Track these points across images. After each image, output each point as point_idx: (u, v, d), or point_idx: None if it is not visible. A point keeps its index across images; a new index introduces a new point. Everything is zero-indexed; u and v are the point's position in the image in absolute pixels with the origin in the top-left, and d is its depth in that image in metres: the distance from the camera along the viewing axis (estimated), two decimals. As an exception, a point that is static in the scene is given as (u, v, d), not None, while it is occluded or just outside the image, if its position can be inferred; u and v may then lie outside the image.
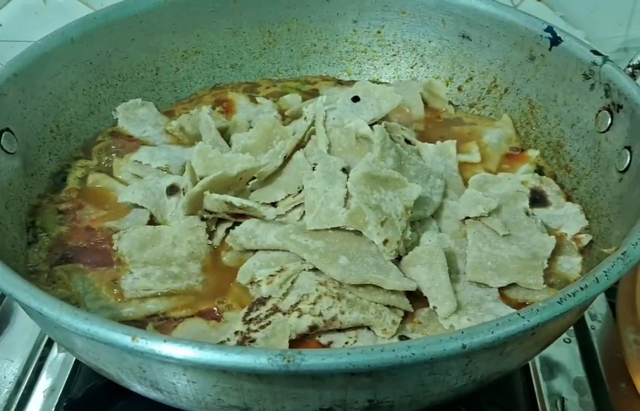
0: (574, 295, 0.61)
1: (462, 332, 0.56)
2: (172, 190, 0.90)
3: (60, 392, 0.87)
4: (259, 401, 0.60)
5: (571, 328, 0.97)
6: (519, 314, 0.59)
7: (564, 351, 0.95)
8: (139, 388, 0.66)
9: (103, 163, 0.98)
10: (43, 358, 0.92)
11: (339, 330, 0.73)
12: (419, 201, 0.82)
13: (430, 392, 0.62)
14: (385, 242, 0.77)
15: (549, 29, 1.00)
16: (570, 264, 0.84)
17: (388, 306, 0.74)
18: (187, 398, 0.62)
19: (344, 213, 0.79)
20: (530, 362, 0.92)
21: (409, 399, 0.63)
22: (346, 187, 0.82)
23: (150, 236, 0.84)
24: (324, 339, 0.73)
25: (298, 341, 0.72)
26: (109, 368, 0.65)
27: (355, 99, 1.00)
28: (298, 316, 0.72)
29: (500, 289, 0.78)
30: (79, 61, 1.01)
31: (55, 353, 0.93)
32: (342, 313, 0.73)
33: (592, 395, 0.90)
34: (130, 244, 0.83)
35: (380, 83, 1.16)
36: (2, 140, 0.86)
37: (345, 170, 0.85)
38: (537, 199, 0.92)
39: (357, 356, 0.55)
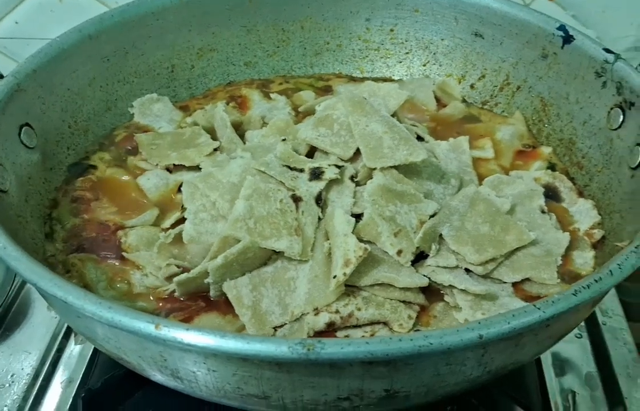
0: (589, 287, 0.62)
1: (479, 322, 0.57)
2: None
3: (77, 384, 0.89)
4: (277, 389, 0.62)
5: (582, 324, 0.98)
6: (534, 305, 0.59)
7: (576, 347, 0.96)
8: (159, 376, 0.67)
9: (121, 157, 0.99)
10: (60, 351, 0.94)
11: (355, 326, 0.74)
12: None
13: (445, 382, 0.63)
14: (399, 252, 0.77)
15: (562, 28, 1.01)
16: (584, 259, 0.85)
17: (404, 301, 0.75)
18: (206, 387, 0.64)
19: (349, 221, 0.78)
20: (542, 357, 0.93)
21: (425, 389, 0.63)
22: (354, 196, 0.83)
23: (157, 235, 0.85)
24: (340, 334, 0.74)
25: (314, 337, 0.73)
26: (130, 357, 0.66)
27: (362, 100, 1.00)
28: (315, 314, 0.73)
29: (514, 283, 0.79)
30: (97, 58, 1.02)
31: (72, 346, 0.94)
32: (359, 309, 0.74)
33: (603, 390, 0.91)
34: (137, 240, 0.85)
35: (393, 81, 1.18)
36: (22, 135, 0.88)
37: (353, 178, 0.86)
38: (550, 195, 0.93)
39: (375, 345, 0.56)
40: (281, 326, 0.73)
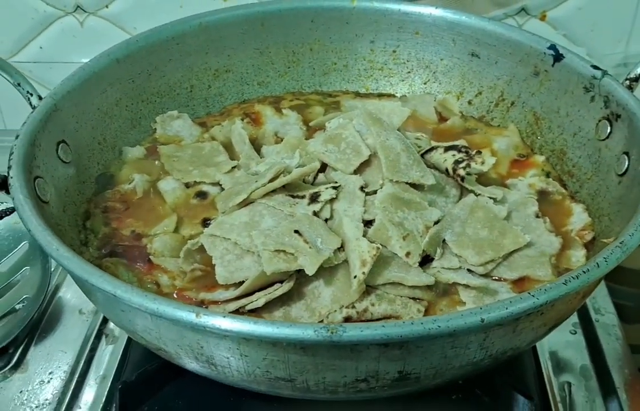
0: (577, 278, 0.69)
1: (481, 308, 0.65)
2: (202, 195, 1.01)
3: (111, 379, 0.96)
4: (302, 372, 0.69)
5: (577, 320, 1.06)
6: (529, 293, 0.67)
7: (571, 342, 1.03)
8: (194, 365, 0.74)
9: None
10: (93, 350, 1.01)
11: (369, 320, 0.81)
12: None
13: (451, 365, 0.71)
14: (408, 254, 0.84)
15: (552, 47, 1.09)
16: (577, 257, 0.91)
17: (413, 298, 0.83)
18: (238, 372, 0.71)
19: (358, 226, 0.85)
20: (539, 351, 1.00)
21: (433, 371, 0.71)
22: (364, 205, 0.90)
23: (179, 242, 0.93)
24: (356, 327, 0.81)
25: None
26: (169, 347, 0.73)
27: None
28: (334, 310, 0.81)
29: (513, 281, 0.86)
30: (123, 80, 1.10)
31: (104, 346, 1.02)
32: (372, 305, 0.81)
33: (596, 380, 0.98)
34: (162, 246, 0.92)
35: (396, 97, 1.26)
36: (59, 151, 0.95)
37: (363, 188, 0.93)
38: (545, 200, 1.00)
39: (390, 328, 0.63)
40: None
